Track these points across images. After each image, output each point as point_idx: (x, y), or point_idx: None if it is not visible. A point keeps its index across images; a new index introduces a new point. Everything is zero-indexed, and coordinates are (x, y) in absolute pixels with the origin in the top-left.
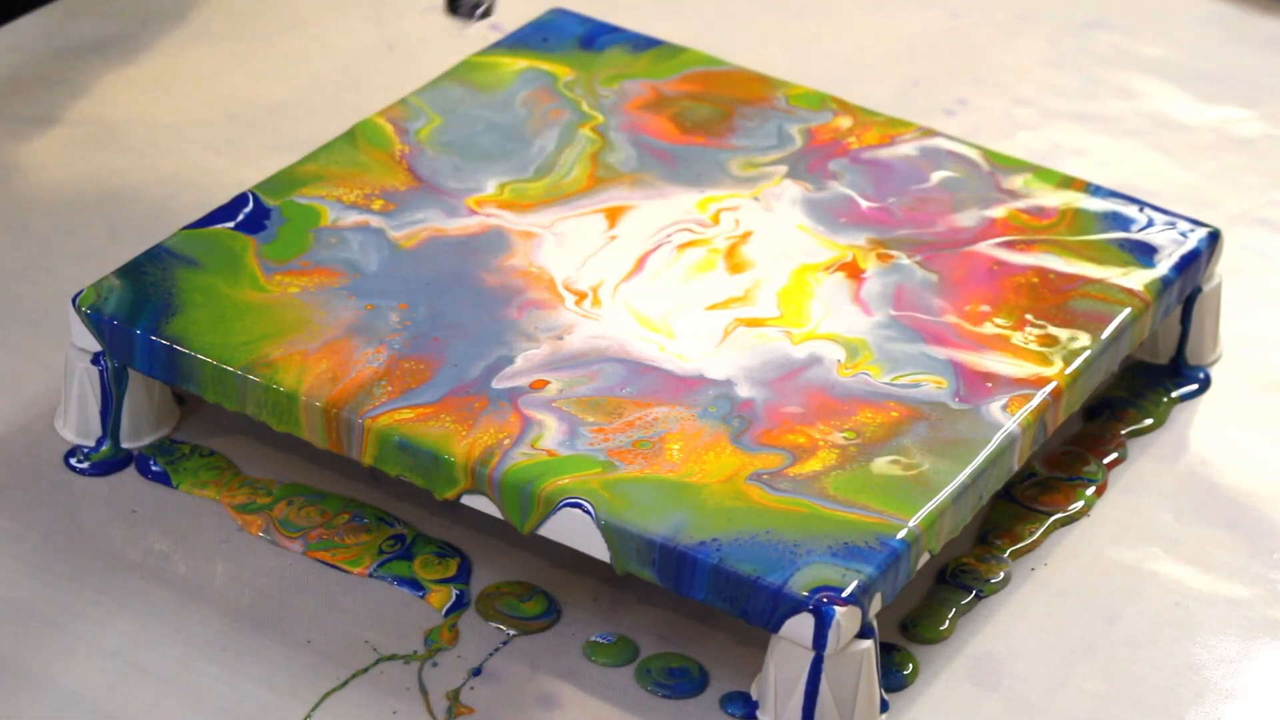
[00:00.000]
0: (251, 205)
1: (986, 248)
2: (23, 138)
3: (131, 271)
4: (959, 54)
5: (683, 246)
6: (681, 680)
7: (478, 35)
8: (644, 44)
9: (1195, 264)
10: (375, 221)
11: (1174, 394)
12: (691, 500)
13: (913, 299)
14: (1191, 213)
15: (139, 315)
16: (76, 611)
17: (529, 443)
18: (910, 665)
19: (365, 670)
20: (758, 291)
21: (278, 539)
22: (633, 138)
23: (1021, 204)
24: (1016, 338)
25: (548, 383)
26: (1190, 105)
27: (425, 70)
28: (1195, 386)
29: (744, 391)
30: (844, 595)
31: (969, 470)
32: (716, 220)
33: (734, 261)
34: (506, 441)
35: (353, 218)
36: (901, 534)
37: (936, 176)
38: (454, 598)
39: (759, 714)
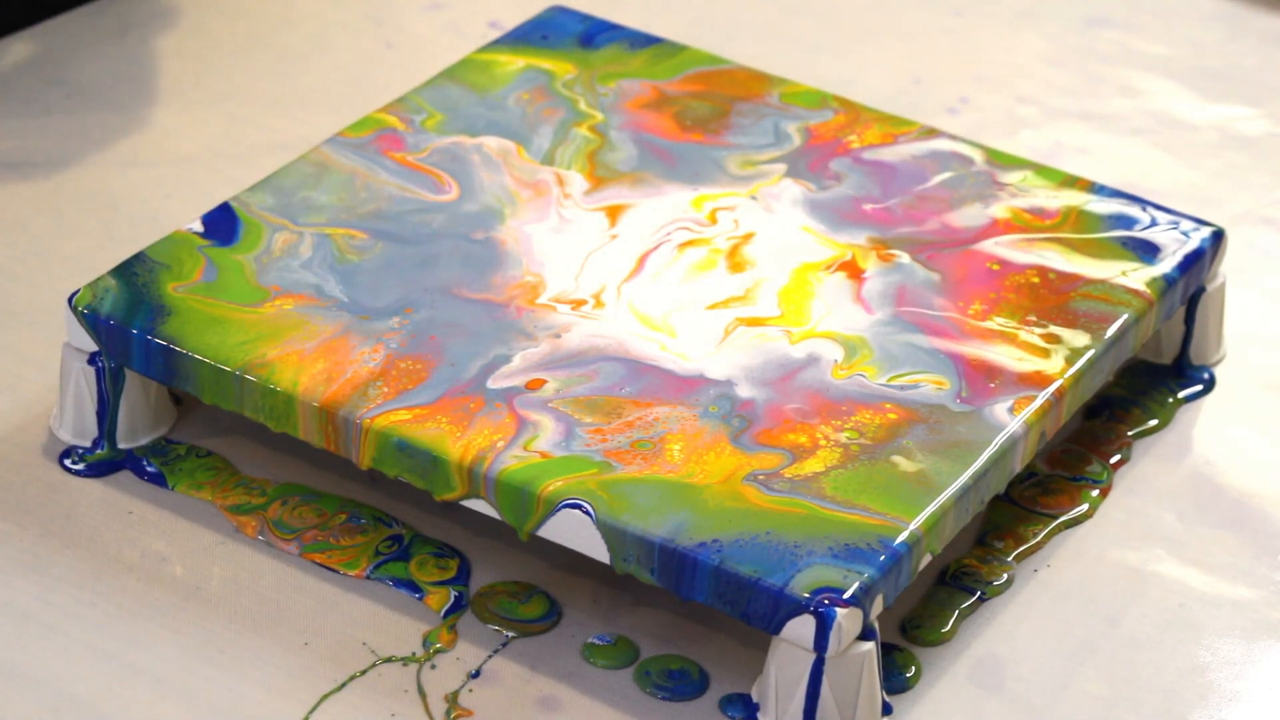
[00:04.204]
0: (249, 205)
1: (988, 247)
2: (19, 137)
3: (128, 271)
4: (961, 52)
5: (683, 245)
6: (681, 682)
7: (477, 33)
8: (644, 42)
9: (1199, 263)
10: (373, 219)
11: (1179, 394)
12: (692, 501)
13: (914, 298)
14: (1195, 212)
15: (135, 315)
16: (73, 613)
17: (522, 444)
18: (912, 667)
19: (363, 672)
20: (758, 291)
21: (273, 540)
22: (631, 136)
23: (1024, 203)
24: (1019, 337)
25: (545, 382)
26: (1194, 103)
27: (425, 68)
28: (1199, 387)
29: (745, 391)
30: (845, 597)
31: (971, 471)
32: (713, 219)
33: (734, 261)
34: (500, 443)
35: (351, 216)
36: (903, 536)
37: (938, 176)
38: (452, 599)
39: (759, 716)
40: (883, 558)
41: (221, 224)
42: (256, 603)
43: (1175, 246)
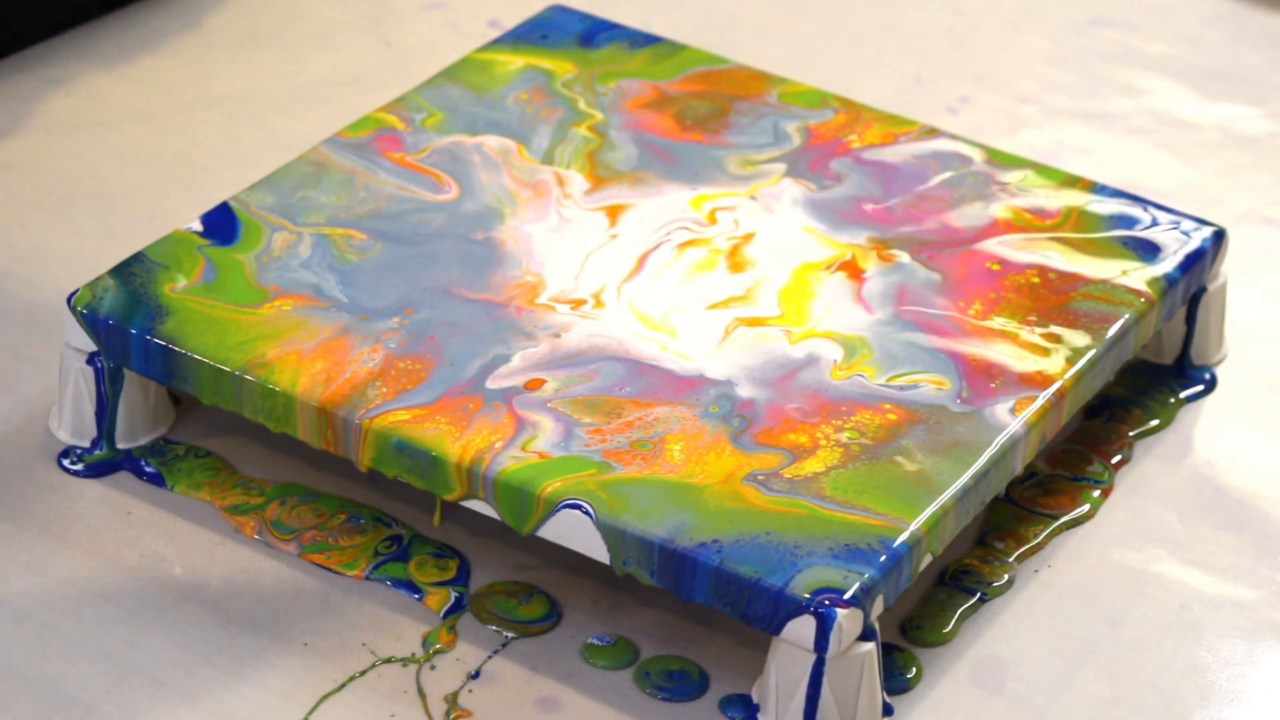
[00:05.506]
0: (248, 205)
1: (989, 247)
2: (18, 136)
3: (126, 271)
4: (962, 51)
5: (683, 245)
6: (681, 683)
7: (477, 33)
8: (643, 41)
9: (1200, 263)
10: (373, 219)
11: (1180, 394)
12: (692, 501)
13: (915, 298)
14: (1196, 211)
15: (134, 315)
16: (72, 613)
17: (520, 445)
18: (914, 668)
19: (363, 673)
20: (758, 291)
21: (271, 541)
22: (631, 135)
23: (1024, 203)
24: (1020, 337)
25: (545, 382)
26: (1195, 103)
27: (424, 67)
28: (1200, 387)
29: (745, 391)
30: (846, 597)
31: (971, 472)
32: (713, 219)
33: (734, 260)
34: (498, 444)
35: (350, 216)
36: (903, 536)
37: (939, 175)
38: (453, 600)
39: (760, 717)
40: (883, 558)
41: (221, 224)
42: (256, 603)
43: (1176, 246)
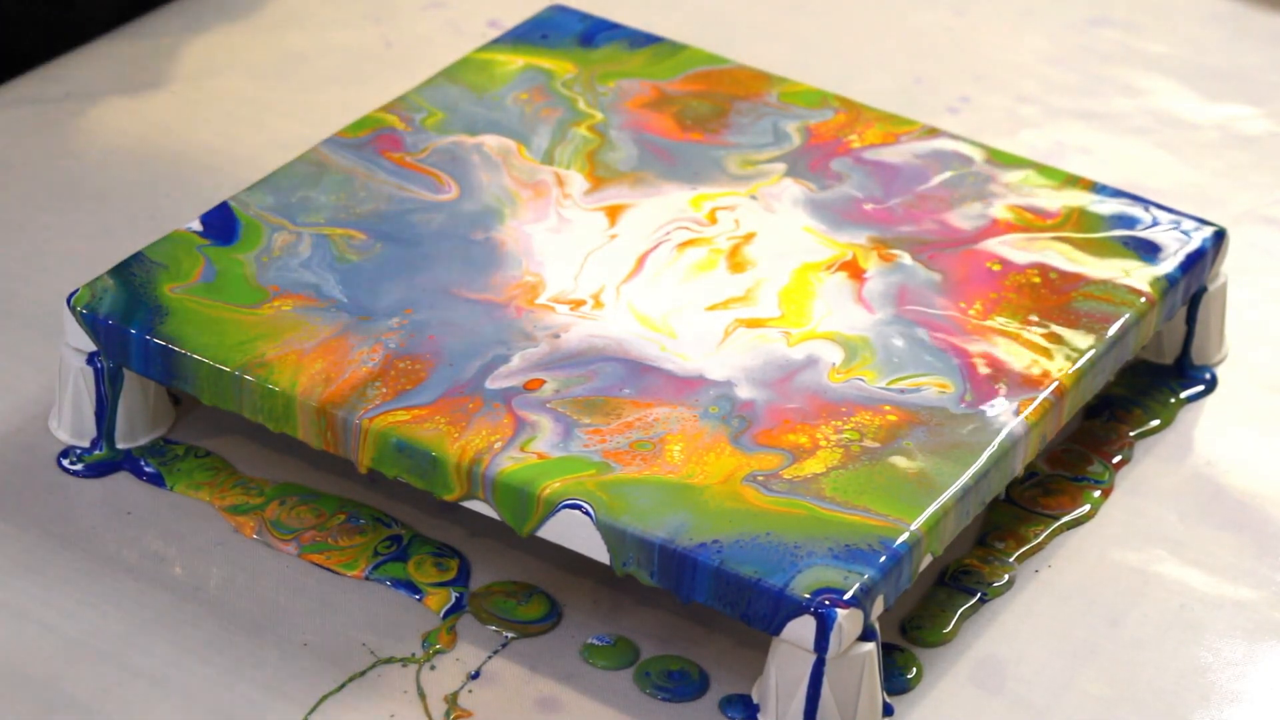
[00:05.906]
0: (248, 205)
1: (990, 247)
2: (16, 135)
3: (126, 271)
4: (962, 51)
5: (682, 246)
6: (681, 683)
7: (477, 33)
8: (643, 41)
9: (1201, 263)
10: (373, 219)
11: (1180, 395)
12: (692, 502)
13: (916, 298)
14: (1197, 211)
15: (134, 315)
16: (71, 613)
17: (519, 445)
18: (914, 668)
19: (363, 673)
20: (759, 291)
21: (271, 541)
22: (630, 135)
23: (1025, 202)
24: (1020, 337)
25: (544, 383)
26: (1195, 103)
27: (424, 67)
28: (1201, 387)
29: (745, 392)
30: (846, 598)
31: (971, 472)
32: (713, 219)
33: (734, 261)
34: (498, 444)
35: (350, 216)
36: (904, 536)
37: (939, 175)
38: (453, 600)
39: (760, 717)
40: (883, 559)
41: (220, 224)
42: (255, 603)
43: (1177, 246)
